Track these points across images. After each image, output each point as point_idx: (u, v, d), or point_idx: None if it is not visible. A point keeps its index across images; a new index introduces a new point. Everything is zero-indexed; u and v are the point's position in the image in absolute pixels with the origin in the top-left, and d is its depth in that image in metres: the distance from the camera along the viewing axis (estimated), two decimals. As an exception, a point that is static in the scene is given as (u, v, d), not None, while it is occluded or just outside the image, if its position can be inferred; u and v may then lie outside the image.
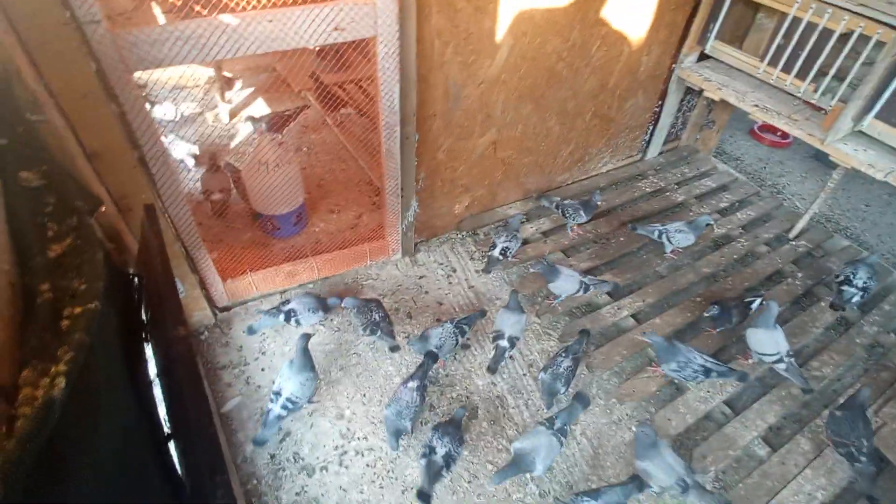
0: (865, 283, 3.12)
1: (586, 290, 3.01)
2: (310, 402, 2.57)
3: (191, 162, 3.67)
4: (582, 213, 3.48)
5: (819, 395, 2.85)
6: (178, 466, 1.60)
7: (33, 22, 1.67)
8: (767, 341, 2.71)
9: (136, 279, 2.03)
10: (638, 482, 2.18)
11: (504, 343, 2.68)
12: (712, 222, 3.52)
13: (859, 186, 4.65)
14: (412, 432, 2.47)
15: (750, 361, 2.88)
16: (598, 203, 3.53)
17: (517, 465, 2.24)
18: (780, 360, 2.66)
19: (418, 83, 2.58)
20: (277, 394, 2.38)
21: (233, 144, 4.11)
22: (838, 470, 2.48)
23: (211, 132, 4.21)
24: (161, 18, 3.70)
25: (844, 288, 3.16)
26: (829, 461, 2.51)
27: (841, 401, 2.70)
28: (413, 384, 2.41)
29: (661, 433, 2.59)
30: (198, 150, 3.82)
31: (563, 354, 2.62)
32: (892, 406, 2.74)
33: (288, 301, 2.83)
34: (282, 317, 2.77)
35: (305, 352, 2.41)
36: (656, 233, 3.44)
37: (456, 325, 2.71)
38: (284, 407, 2.37)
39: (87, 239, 1.29)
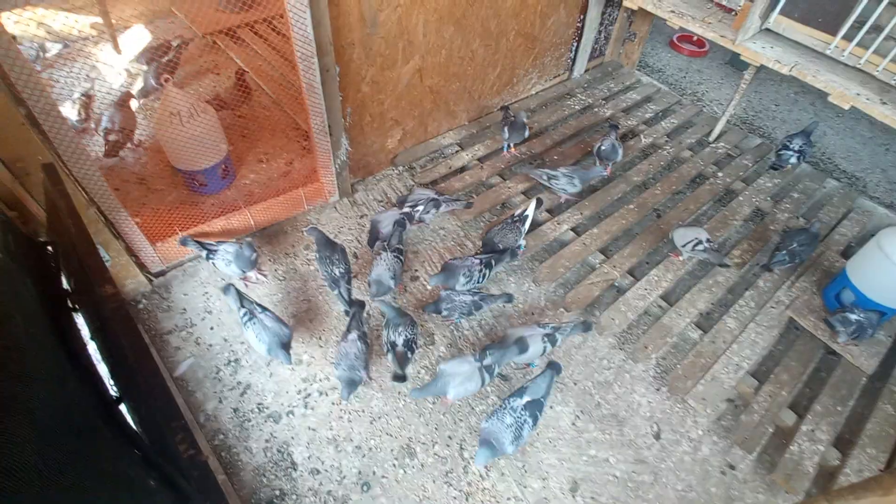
0: (801, 147, 3.57)
1: (437, 207, 3.09)
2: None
3: (74, 115, 3.32)
4: (517, 133, 3.53)
5: (741, 279, 3.12)
6: (133, 425, 1.57)
7: None
8: (687, 233, 2.97)
9: (49, 247, 1.89)
10: (556, 367, 2.35)
11: (706, 243, 2.91)
12: (605, 173, 3.49)
13: (769, 88, 4.91)
14: (370, 379, 2.53)
15: (680, 258, 3.09)
16: (524, 121, 3.55)
17: (434, 384, 2.28)
18: (699, 244, 2.90)
19: (330, 8, 2.42)
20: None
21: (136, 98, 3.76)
22: (759, 340, 2.77)
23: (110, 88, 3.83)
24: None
25: (782, 152, 3.59)
26: (752, 335, 2.79)
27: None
28: (353, 335, 2.40)
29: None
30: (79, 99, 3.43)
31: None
32: (802, 280, 3.05)
33: (224, 242, 2.74)
34: (205, 252, 2.71)
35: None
36: (544, 176, 3.31)
37: (392, 251, 2.74)
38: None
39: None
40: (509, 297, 2.75)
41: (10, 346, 0.92)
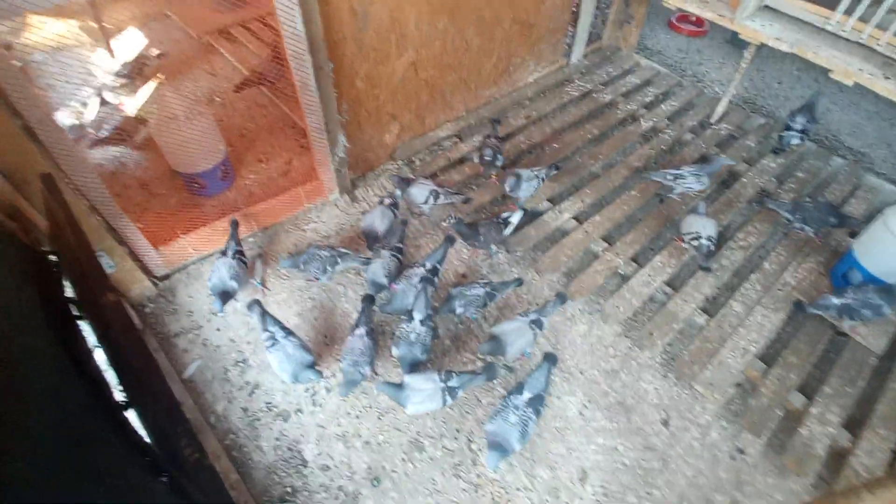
0: (804, 125, 3.47)
1: (437, 198, 3.06)
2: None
3: (71, 121, 3.35)
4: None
5: (747, 261, 3.09)
6: (142, 431, 1.58)
7: None
8: (694, 223, 2.94)
9: (52, 256, 1.90)
10: (552, 358, 2.34)
11: (705, 241, 2.86)
12: (730, 161, 3.42)
13: (771, 65, 4.83)
14: (375, 375, 2.54)
15: (683, 245, 3.06)
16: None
17: (397, 393, 2.23)
18: (697, 238, 2.88)
19: (320, 4, 2.40)
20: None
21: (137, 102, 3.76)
22: (767, 323, 2.75)
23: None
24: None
25: (784, 133, 3.51)
26: (758, 318, 2.77)
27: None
28: (361, 331, 2.39)
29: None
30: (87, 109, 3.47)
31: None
32: (808, 261, 3.02)
33: (238, 252, 2.71)
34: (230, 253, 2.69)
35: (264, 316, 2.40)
36: (669, 176, 3.24)
37: (391, 249, 2.74)
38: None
39: (-27, 212, 1.17)
40: (519, 281, 2.76)
41: (13, 364, 0.93)
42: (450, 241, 2.80)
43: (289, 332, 2.39)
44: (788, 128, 3.53)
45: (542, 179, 3.21)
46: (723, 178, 3.59)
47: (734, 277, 3.03)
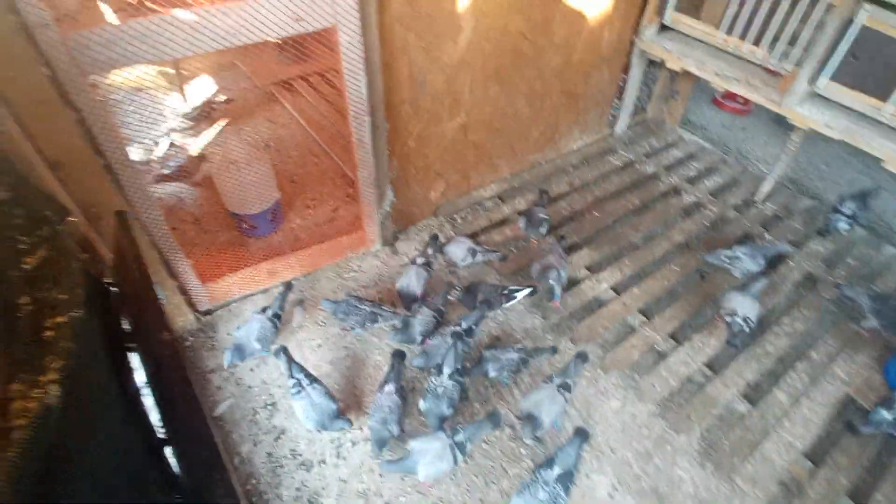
0: (853, 211, 3.41)
1: (474, 255, 3.13)
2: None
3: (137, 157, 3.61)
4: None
5: (792, 349, 2.97)
6: (176, 470, 1.60)
7: (-19, 30, 1.61)
8: (734, 300, 2.86)
9: (113, 288, 2.00)
10: (584, 434, 2.27)
11: (739, 320, 2.78)
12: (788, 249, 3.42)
13: (819, 147, 4.80)
14: (402, 432, 2.48)
15: (720, 323, 2.96)
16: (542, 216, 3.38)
17: (405, 461, 2.18)
18: (734, 316, 2.79)
19: (383, 70, 2.56)
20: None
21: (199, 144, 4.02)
22: (814, 418, 2.60)
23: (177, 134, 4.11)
24: (112, 17, 3.58)
25: (832, 216, 3.46)
26: (804, 410, 2.63)
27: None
28: (390, 388, 2.39)
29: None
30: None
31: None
32: (860, 354, 2.89)
33: (276, 316, 2.75)
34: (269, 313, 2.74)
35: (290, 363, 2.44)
36: (725, 259, 3.21)
37: (433, 309, 2.77)
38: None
39: (61, 249, 1.26)
40: (554, 349, 2.74)
41: (84, 404, 0.98)
42: (488, 305, 2.81)
43: (314, 380, 2.41)
44: (836, 210, 3.47)
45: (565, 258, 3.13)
46: (769, 259, 3.51)
47: (779, 364, 2.91)
